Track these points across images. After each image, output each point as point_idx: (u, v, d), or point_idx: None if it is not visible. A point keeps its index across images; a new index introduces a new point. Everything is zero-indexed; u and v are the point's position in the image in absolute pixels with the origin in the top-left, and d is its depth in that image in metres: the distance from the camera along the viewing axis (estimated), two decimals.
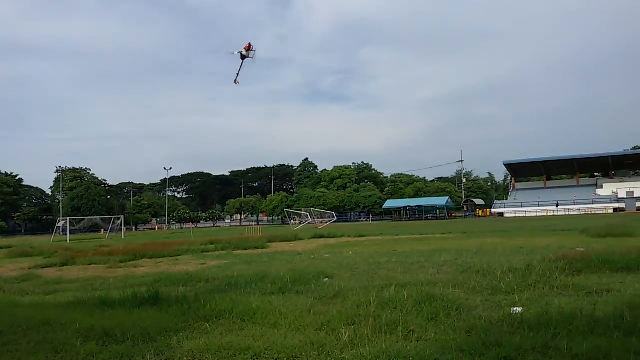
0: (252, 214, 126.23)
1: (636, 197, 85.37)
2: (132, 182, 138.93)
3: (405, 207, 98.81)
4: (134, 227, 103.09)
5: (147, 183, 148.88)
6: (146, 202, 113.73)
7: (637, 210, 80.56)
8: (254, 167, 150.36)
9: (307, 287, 10.38)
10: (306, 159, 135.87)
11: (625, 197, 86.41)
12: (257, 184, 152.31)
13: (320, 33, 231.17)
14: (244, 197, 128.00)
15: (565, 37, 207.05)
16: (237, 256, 20.60)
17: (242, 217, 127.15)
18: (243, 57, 15.05)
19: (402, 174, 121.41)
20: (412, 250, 19.29)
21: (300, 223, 68.45)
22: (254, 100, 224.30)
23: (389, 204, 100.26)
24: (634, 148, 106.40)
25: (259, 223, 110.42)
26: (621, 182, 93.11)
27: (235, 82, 15.61)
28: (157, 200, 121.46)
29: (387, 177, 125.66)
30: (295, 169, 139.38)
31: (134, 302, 8.71)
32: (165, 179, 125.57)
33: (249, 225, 78.92)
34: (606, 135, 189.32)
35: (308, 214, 69.91)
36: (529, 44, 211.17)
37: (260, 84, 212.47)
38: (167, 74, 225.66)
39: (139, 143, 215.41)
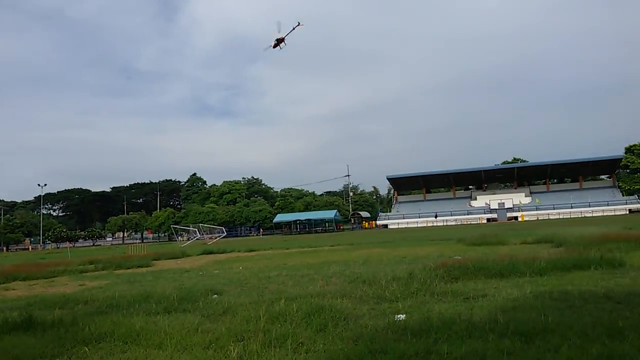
0: (135, 232, 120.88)
1: (507, 208, 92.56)
2: (2, 200, 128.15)
3: (295, 221, 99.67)
4: (4, 248, 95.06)
5: (19, 200, 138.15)
6: (18, 221, 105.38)
7: (508, 219, 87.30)
8: (138, 183, 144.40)
9: (195, 304, 10.06)
10: (194, 174, 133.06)
11: (497, 207, 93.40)
12: (141, 200, 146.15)
13: (206, 48, 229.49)
14: (127, 213, 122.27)
15: (443, 62, 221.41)
16: (119, 276, 19.54)
17: (125, 234, 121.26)
18: (277, 43, 14.85)
19: (291, 189, 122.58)
20: (302, 263, 19.39)
21: (188, 239, 66.52)
22: (137, 114, 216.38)
23: (279, 218, 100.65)
24: (504, 163, 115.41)
25: (144, 241, 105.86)
26: (493, 194, 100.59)
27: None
28: (30, 218, 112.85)
29: (277, 191, 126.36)
30: (183, 185, 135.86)
31: (4, 328, 7.97)
32: (40, 196, 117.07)
33: (133, 243, 75.34)
34: (479, 151, 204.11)
35: (196, 229, 68.08)
36: (411, 67, 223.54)
37: (144, 98, 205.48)
38: (40, 85, 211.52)
39: (7, 158, 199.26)
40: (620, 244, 16.29)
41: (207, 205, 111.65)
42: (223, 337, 6.83)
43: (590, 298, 8.43)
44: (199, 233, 67.64)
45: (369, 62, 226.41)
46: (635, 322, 6.30)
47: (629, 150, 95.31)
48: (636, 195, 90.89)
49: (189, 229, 70.36)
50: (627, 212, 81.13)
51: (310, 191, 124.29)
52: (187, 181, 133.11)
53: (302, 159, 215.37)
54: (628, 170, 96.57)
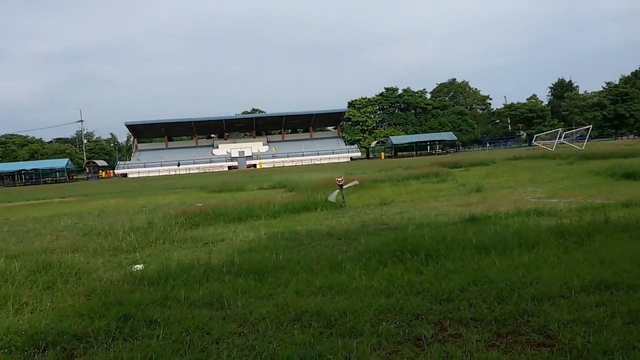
0: None
1: (247, 156, 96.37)
2: None
3: (19, 171, 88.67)
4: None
5: None
6: None
7: (248, 167, 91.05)
8: None
9: None
10: None
11: (237, 156, 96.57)
12: None
13: None
14: None
15: (179, 7, 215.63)
16: None
17: None
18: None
19: (14, 135, 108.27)
20: (28, 218, 17.57)
21: None
22: None
23: (0, 167, 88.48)
24: (244, 113, 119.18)
25: None
26: (234, 142, 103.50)
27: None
28: None
29: None
30: None
31: None
32: None
33: None
34: (220, 101, 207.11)
35: None
36: (148, 7, 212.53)
37: None
38: None
39: None
40: None
41: None
42: None
43: (316, 236, 9.40)
44: None
45: None
46: (351, 255, 7.24)
47: (351, 104, 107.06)
48: (356, 145, 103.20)
49: None
50: (350, 160, 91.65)
51: (37, 138, 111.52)
52: None
53: (26, 102, 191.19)
54: (350, 123, 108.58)
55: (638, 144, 43.34)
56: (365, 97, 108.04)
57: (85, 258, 8.47)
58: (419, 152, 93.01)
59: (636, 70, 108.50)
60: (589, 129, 55.11)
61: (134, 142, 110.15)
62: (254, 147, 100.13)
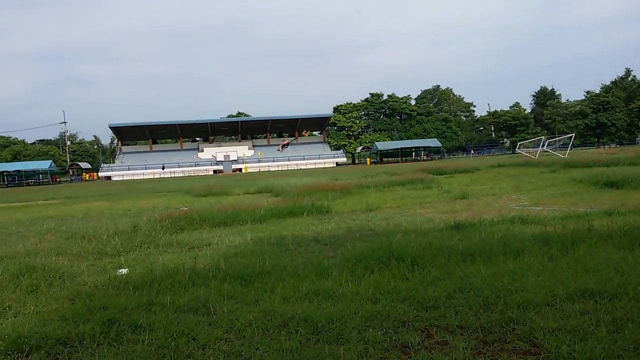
0: None
1: (232, 160, 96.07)
2: None
3: (2, 173, 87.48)
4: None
5: None
6: None
7: (233, 171, 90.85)
8: None
9: None
10: None
11: (222, 159, 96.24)
12: None
13: None
14: None
15: (164, 8, 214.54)
16: None
17: None
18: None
19: None
20: (10, 220, 17.34)
21: None
22: None
23: None
24: (229, 116, 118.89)
25: None
26: (219, 146, 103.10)
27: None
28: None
29: None
30: None
31: None
32: None
33: None
34: (205, 104, 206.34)
35: None
36: (131, 7, 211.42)
37: None
38: None
39: None
40: (328, 193, 18.43)
41: None
42: None
43: (302, 242, 9.39)
44: None
45: None
46: (338, 261, 7.24)
47: (336, 109, 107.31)
48: (342, 150, 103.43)
49: None
50: (335, 165, 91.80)
51: (19, 139, 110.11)
52: None
53: (9, 102, 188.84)
54: (336, 128, 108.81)
55: (620, 152, 43.94)
56: (351, 103, 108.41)
57: (70, 261, 8.37)
58: (404, 158, 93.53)
59: (616, 79, 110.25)
60: (571, 137, 55.80)
61: (118, 145, 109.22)
62: (239, 150, 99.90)
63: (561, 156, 41.77)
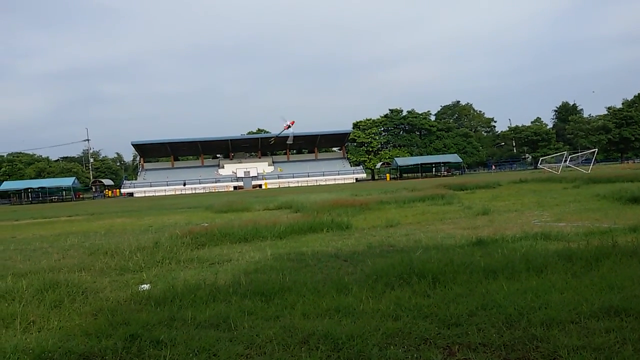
0: None
1: (252, 176, 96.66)
2: None
3: (26, 189, 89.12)
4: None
5: None
6: None
7: (253, 187, 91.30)
8: None
9: None
10: None
11: (243, 176, 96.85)
12: None
13: None
14: None
15: (185, 28, 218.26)
16: None
17: None
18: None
19: (21, 153, 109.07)
20: (34, 236, 17.61)
21: None
22: None
23: (6, 185, 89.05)
24: (249, 133, 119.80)
25: None
26: (239, 162, 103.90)
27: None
28: None
29: (3, 155, 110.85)
30: None
31: None
32: None
33: None
34: (226, 120, 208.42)
35: None
36: (153, 27, 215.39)
37: None
38: None
39: None
40: (347, 209, 18.39)
41: None
42: None
43: (322, 258, 9.37)
44: None
45: (101, 16, 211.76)
46: (358, 277, 7.21)
47: (356, 125, 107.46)
48: (361, 166, 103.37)
49: None
50: (355, 181, 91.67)
51: (43, 156, 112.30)
52: None
53: (34, 120, 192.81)
54: (355, 144, 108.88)
55: None
56: (370, 119, 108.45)
57: (92, 277, 8.47)
58: (424, 174, 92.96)
59: (639, 94, 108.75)
60: (594, 152, 55.15)
61: (140, 162, 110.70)
62: (259, 167, 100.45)
63: (584, 171, 41.20)
